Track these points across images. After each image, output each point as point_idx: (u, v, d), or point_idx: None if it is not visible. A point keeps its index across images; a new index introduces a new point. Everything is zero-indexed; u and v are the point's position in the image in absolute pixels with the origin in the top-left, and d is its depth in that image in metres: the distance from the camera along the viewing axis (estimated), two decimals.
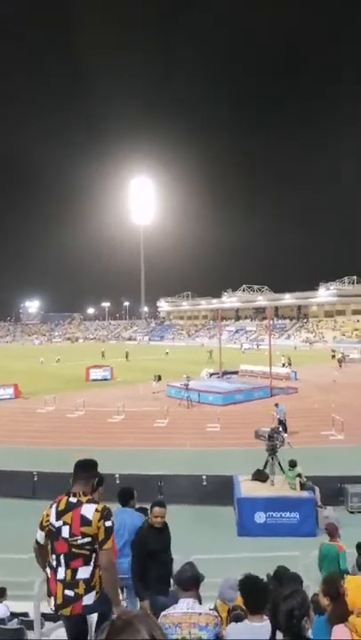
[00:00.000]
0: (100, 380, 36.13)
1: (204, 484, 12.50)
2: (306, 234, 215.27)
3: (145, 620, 1.09)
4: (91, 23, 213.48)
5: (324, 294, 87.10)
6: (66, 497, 3.30)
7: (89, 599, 3.13)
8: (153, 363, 47.88)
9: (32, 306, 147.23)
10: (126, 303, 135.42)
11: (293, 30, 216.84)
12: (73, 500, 3.26)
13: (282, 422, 17.52)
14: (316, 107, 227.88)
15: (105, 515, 3.19)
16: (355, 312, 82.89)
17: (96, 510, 3.19)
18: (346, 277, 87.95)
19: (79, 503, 3.23)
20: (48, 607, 3.32)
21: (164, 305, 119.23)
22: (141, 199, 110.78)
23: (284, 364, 38.67)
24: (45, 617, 4.98)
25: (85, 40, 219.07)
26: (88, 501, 3.24)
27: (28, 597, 4.84)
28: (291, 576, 4.90)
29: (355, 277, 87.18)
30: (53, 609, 3.20)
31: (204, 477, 12.57)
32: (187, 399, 24.99)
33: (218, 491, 12.30)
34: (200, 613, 3.06)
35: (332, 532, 6.74)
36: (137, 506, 5.35)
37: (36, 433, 19.95)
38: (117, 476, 11.23)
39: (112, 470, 10.92)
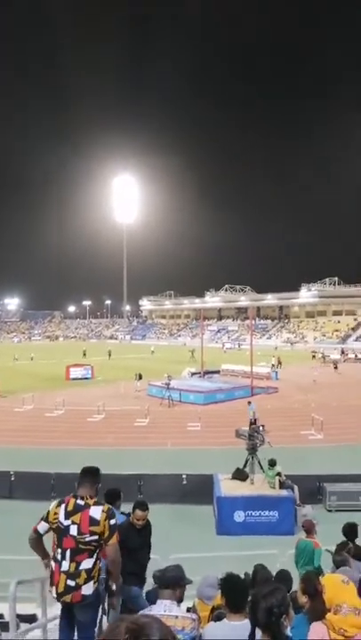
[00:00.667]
0: (81, 378, 35.85)
1: (184, 482, 12.49)
2: (289, 235, 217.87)
3: (157, 623, 1.09)
4: (80, 20, 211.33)
5: (306, 295, 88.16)
6: (73, 499, 3.67)
7: (87, 589, 3.51)
8: (136, 361, 47.71)
9: (11, 303, 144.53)
10: (108, 302, 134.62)
11: (293, 30, 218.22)
12: (80, 502, 3.65)
13: (251, 421, 17.49)
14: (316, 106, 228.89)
15: (110, 514, 3.65)
16: (335, 313, 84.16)
17: (102, 511, 3.63)
18: (327, 279, 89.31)
19: (87, 505, 3.63)
20: (50, 593, 3.72)
21: (146, 304, 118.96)
22: (125, 197, 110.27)
23: (273, 365, 39.15)
24: (21, 618, 4.89)
25: (73, 37, 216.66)
26: (95, 504, 3.66)
27: (3, 599, 4.75)
28: (281, 575, 4.92)
29: (336, 279, 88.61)
30: (55, 596, 3.59)
31: (184, 476, 12.56)
32: (168, 398, 24.97)
33: (198, 490, 12.30)
34: (177, 616, 3.02)
35: (309, 528, 6.79)
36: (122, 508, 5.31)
37: (13, 432, 19.64)
38: None
39: None
